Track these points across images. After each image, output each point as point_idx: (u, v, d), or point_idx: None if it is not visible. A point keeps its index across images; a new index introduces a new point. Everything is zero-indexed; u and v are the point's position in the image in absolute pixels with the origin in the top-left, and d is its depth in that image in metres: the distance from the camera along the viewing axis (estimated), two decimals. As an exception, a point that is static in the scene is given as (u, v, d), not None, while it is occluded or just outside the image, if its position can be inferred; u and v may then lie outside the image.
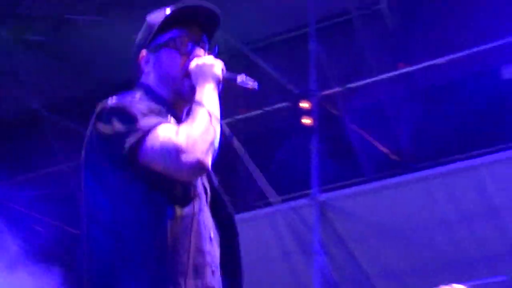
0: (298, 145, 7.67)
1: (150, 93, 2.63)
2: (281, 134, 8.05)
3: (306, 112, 7.79)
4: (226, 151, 8.43)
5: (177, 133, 2.42)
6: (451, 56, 7.52)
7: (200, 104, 2.49)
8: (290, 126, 7.98)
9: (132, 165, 2.47)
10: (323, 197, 7.61)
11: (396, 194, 7.50)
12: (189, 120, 2.47)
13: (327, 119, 7.88)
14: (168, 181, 2.50)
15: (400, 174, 7.71)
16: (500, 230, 7.14)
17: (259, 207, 8.17)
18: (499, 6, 7.45)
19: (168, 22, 2.65)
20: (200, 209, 2.57)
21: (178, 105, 2.66)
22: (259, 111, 8.31)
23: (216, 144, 2.47)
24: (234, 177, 8.56)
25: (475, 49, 7.47)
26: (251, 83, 2.57)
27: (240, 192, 8.61)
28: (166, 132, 2.43)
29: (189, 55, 2.62)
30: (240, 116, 8.35)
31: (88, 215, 2.61)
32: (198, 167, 2.42)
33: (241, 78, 2.59)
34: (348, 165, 7.94)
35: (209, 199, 2.66)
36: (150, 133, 2.45)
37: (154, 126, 2.45)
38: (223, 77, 2.58)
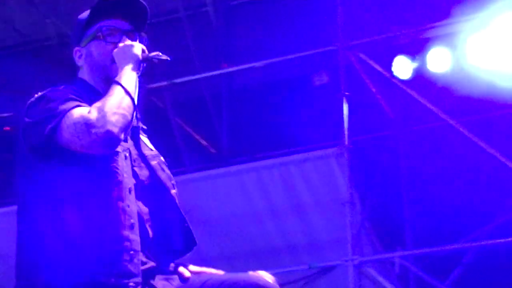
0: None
1: (84, 85, 2.64)
2: None
3: None
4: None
5: (89, 111, 2.41)
6: (268, 60, 7.56)
7: (116, 82, 2.49)
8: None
9: (53, 153, 2.45)
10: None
11: (213, 185, 7.50)
12: (103, 98, 2.45)
13: (153, 111, 7.86)
14: (87, 167, 2.48)
15: (218, 167, 7.75)
16: (304, 224, 7.30)
17: None
18: (315, 18, 7.56)
19: (95, 17, 2.64)
20: (120, 197, 2.53)
21: None
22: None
23: (129, 117, 2.46)
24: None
25: (289, 56, 7.47)
26: (165, 57, 2.61)
27: None
28: (80, 111, 2.42)
29: (116, 44, 2.62)
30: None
31: (21, 205, 2.59)
32: (109, 138, 2.40)
33: (156, 55, 2.61)
34: (171, 156, 7.90)
35: (146, 183, 2.63)
36: (66, 115, 2.43)
37: (70, 109, 2.44)
38: (143, 57, 2.57)
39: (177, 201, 2.71)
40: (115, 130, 2.38)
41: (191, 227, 2.72)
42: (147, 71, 8.09)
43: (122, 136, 2.42)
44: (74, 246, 2.50)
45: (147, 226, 2.60)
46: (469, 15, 6.79)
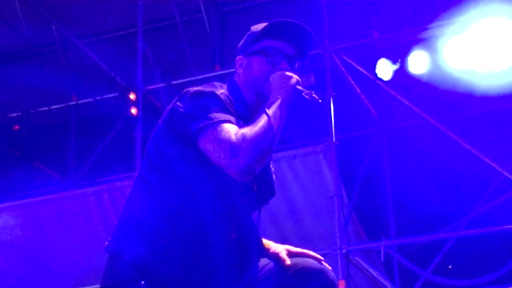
0: (125, 131, 7.58)
1: (235, 90, 2.64)
2: (109, 120, 7.89)
3: (133, 103, 7.68)
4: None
5: (236, 134, 2.39)
6: None
7: (265, 112, 2.46)
8: (118, 114, 7.81)
9: (190, 146, 2.46)
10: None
11: None
12: (251, 125, 2.43)
13: (151, 110, 7.82)
14: (209, 167, 2.46)
15: None
16: (294, 215, 7.29)
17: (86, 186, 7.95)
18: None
19: (265, 34, 2.64)
20: (232, 205, 2.54)
21: (258, 107, 2.62)
22: (90, 99, 8.18)
23: (270, 152, 2.45)
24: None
25: None
26: (317, 97, 2.55)
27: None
28: (228, 130, 2.40)
29: (275, 66, 2.61)
30: (73, 103, 8.24)
31: (144, 170, 2.60)
32: (247, 171, 2.40)
33: (309, 93, 2.57)
34: None
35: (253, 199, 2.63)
36: (214, 125, 2.42)
37: (220, 121, 2.43)
38: (296, 90, 2.54)
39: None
40: (253, 164, 2.38)
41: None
42: (144, 73, 7.94)
43: (258, 170, 2.42)
44: (180, 235, 2.48)
45: (241, 230, 2.59)
46: (446, 20, 6.76)
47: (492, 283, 6.26)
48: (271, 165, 2.74)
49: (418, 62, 7.09)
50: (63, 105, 8.07)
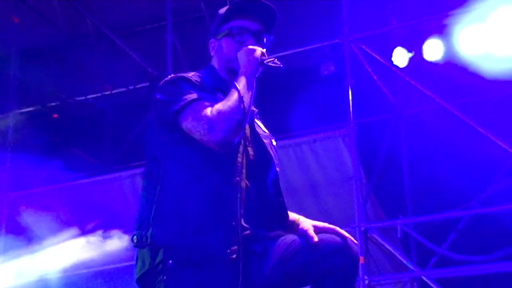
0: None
1: (212, 72, 2.71)
2: (141, 109, 7.82)
3: None
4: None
5: (211, 110, 2.45)
6: (280, 54, 7.29)
7: (234, 86, 2.50)
8: (150, 102, 8.05)
9: (176, 131, 2.52)
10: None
11: None
12: (224, 100, 2.48)
13: None
14: (202, 149, 2.50)
15: None
16: (316, 196, 7.33)
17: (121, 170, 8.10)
18: (322, 15, 7.61)
19: (230, 15, 2.69)
20: (234, 173, 2.56)
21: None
22: (124, 89, 8.30)
23: (244, 122, 2.49)
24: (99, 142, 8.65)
25: (299, 49, 7.42)
26: (278, 64, 2.57)
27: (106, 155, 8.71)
28: (203, 107, 2.47)
29: (242, 43, 2.65)
30: (107, 92, 8.37)
31: (146, 165, 2.67)
32: (224, 143, 2.45)
33: (272, 61, 2.58)
34: None
35: (253, 159, 2.64)
36: (190, 105, 2.49)
37: (194, 100, 2.49)
38: (261, 61, 2.57)
39: (279, 176, 2.71)
40: (230, 135, 2.44)
41: (285, 202, 2.72)
42: (173, 63, 7.80)
43: (236, 139, 2.47)
44: (189, 214, 2.52)
45: (249, 198, 2.60)
46: (460, 9, 6.70)
47: (504, 258, 6.20)
48: (265, 137, 2.75)
49: (433, 50, 7.05)
50: (98, 94, 8.15)
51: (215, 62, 2.74)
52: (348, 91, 6.75)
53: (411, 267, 6.64)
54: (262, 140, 2.72)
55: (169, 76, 2.65)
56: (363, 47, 6.90)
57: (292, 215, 2.77)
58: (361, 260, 6.34)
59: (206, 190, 2.54)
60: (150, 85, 7.95)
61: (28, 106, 8.12)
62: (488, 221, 6.73)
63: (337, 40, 7.06)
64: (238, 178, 2.56)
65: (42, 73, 8.09)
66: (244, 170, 2.59)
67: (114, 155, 8.20)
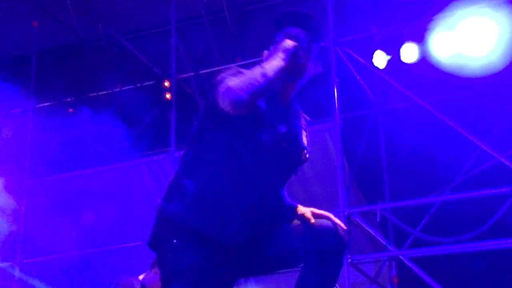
0: (161, 113, 7.65)
1: None
2: (148, 104, 7.96)
3: (167, 89, 7.73)
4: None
5: (233, 80, 2.39)
6: None
7: (260, 64, 2.45)
8: (155, 99, 7.90)
9: (215, 110, 2.44)
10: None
11: None
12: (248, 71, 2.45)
13: (183, 96, 7.87)
14: (233, 140, 2.46)
15: None
16: (304, 184, 7.23)
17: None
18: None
19: (279, 25, 2.63)
20: (253, 155, 2.47)
21: (283, 90, 2.60)
22: (132, 86, 8.22)
23: (258, 88, 2.38)
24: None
25: None
26: (303, 59, 2.50)
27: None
28: (230, 78, 2.41)
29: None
30: (117, 89, 8.27)
31: (187, 145, 2.61)
32: (239, 100, 2.35)
33: (301, 57, 2.50)
34: None
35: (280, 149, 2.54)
36: (224, 82, 2.41)
37: (227, 77, 2.43)
38: (290, 51, 2.47)
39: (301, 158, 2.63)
40: (244, 96, 2.35)
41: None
42: (176, 64, 7.79)
43: (251, 101, 2.37)
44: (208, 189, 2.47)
45: (264, 192, 2.54)
46: (434, 16, 6.70)
47: (471, 240, 6.26)
48: (303, 128, 2.70)
49: (409, 53, 7.01)
50: (109, 91, 8.13)
51: None
52: (334, 89, 6.72)
53: (389, 247, 6.65)
54: (298, 131, 2.65)
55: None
56: (347, 50, 6.87)
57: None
58: None
59: (227, 181, 2.49)
60: (155, 83, 7.91)
61: (45, 102, 8.06)
62: (458, 206, 6.73)
63: (323, 44, 6.93)
64: (258, 172, 2.50)
65: (58, 72, 8.06)
66: (263, 164, 2.51)
67: (124, 145, 8.14)
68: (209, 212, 2.48)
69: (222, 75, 2.46)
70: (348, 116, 7.22)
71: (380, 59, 7.10)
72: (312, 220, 2.54)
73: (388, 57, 7.10)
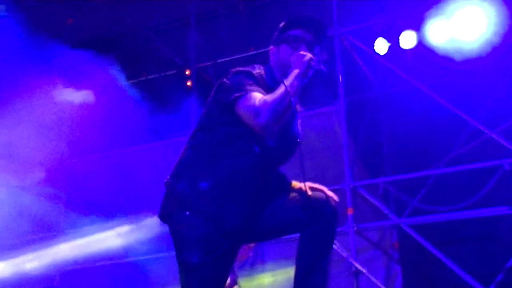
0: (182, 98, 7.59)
1: (269, 72, 2.64)
2: (171, 91, 7.90)
3: (188, 77, 7.82)
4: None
5: (259, 100, 2.39)
6: None
7: (283, 83, 2.43)
8: (177, 86, 7.95)
9: (230, 112, 2.47)
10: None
11: None
12: (272, 94, 2.42)
13: (202, 83, 7.85)
14: (242, 134, 2.47)
15: None
16: (314, 161, 6.76)
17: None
18: (317, 13, 7.24)
19: (288, 26, 2.64)
20: (257, 162, 2.48)
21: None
22: (156, 75, 8.25)
23: (285, 113, 2.41)
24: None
25: None
26: (323, 68, 2.54)
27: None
28: (255, 98, 2.41)
29: (296, 50, 2.59)
30: (143, 78, 8.29)
31: (196, 129, 2.61)
32: (265, 127, 2.39)
33: (317, 65, 2.52)
34: None
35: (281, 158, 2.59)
36: (246, 95, 2.43)
37: (250, 92, 2.44)
38: (309, 65, 2.49)
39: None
40: (271, 123, 2.39)
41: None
42: (197, 54, 7.72)
43: (276, 127, 2.42)
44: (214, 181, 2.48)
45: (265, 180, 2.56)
46: (430, 6, 6.67)
47: (464, 208, 6.30)
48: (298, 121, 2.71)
49: (407, 40, 6.95)
50: (136, 80, 8.14)
51: (272, 64, 2.67)
52: (339, 75, 6.72)
53: (391, 216, 6.67)
54: (296, 124, 2.67)
55: (239, 68, 2.59)
56: (350, 38, 6.89)
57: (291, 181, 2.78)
58: (350, 211, 6.40)
59: (234, 167, 2.49)
60: (177, 72, 7.94)
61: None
62: (453, 178, 6.69)
63: (328, 33, 6.99)
64: (260, 166, 2.51)
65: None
66: (264, 158, 2.52)
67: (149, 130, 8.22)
68: (214, 202, 2.48)
69: (246, 86, 2.44)
70: (352, 98, 7.16)
71: (381, 46, 7.05)
72: (310, 193, 2.56)
73: (389, 44, 7.06)
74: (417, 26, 6.88)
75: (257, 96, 2.41)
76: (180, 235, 2.49)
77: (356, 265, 6.04)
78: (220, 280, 2.52)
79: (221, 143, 2.51)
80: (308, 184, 2.65)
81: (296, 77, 2.45)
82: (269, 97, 2.40)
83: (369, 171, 7.31)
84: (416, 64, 7.04)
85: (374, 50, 7.06)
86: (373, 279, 6.22)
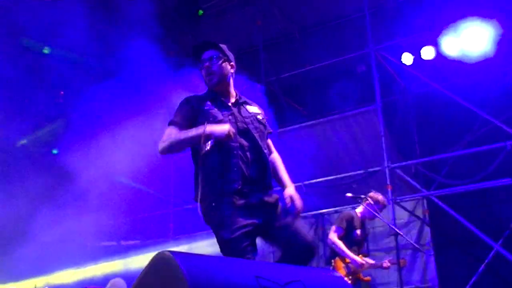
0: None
1: (205, 90, 2.85)
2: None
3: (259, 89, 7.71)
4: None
5: (168, 135, 2.61)
6: (332, 60, 7.77)
7: (199, 128, 2.59)
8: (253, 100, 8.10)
9: None
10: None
11: (307, 132, 7.57)
12: (185, 132, 2.62)
13: (270, 95, 8.01)
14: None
15: (309, 121, 7.79)
16: (359, 149, 7.55)
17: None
18: (357, 34, 7.84)
19: (197, 51, 2.81)
20: (231, 139, 2.60)
21: (221, 92, 2.79)
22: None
23: (182, 149, 2.61)
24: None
25: (344, 57, 7.72)
26: (208, 147, 2.65)
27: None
28: (170, 132, 2.65)
29: (201, 69, 2.80)
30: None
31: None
32: (161, 153, 2.64)
33: (210, 144, 2.63)
34: (277, 116, 7.91)
35: (243, 130, 2.70)
36: (169, 126, 2.68)
37: (172, 124, 2.67)
38: (227, 136, 2.60)
39: (258, 140, 2.72)
40: (164, 152, 2.65)
41: (267, 161, 2.74)
42: (265, 73, 8.46)
43: (168, 153, 2.62)
44: (213, 169, 2.70)
45: (247, 154, 2.71)
46: (444, 26, 7.12)
47: (478, 181, 6.61)
48: (257, 120, 2.80)
49: (428, 53, 7.31)
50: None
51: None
52: (375, 81, 7.19)
53: (421, 190, 7.00)
54: (245, 119, 2.77)
55: (184, 98, 2.75)
56: (383, 53, 7.44)
57: (285, 177, 2.88)
58: (390, 187, 6.77)
59: (221, 163, 2.67)
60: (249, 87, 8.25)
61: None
62: (467, 158, 6.99)
63: (366, 50, 7.52)
64: (235, 152, 2.66)
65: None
66: (236, 137, 2.68)
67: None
68: (219, 187, 2.65)
69: (173, 118, 2.63)
70: (386, 100, 7.50)
71: (407, 58, 7.43)
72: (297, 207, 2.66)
73: (413, 56, 7.43)
74: (434, 42, 7.27)
75: (171, 131, 2.62)
76: (212, 217, 2.65)
77: (395, 229, 6.14)
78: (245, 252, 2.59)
79: (209, 151, 2.67)
80: (291, 194, 2.75)
81: (214, 134, 2.59)
82: (177, 135, 2.61)
83: (403, 155, 7.55)
84: (435, 71, 7.36)
85: (401, 61, 7.46)
86: (408, 239, 6.43)
